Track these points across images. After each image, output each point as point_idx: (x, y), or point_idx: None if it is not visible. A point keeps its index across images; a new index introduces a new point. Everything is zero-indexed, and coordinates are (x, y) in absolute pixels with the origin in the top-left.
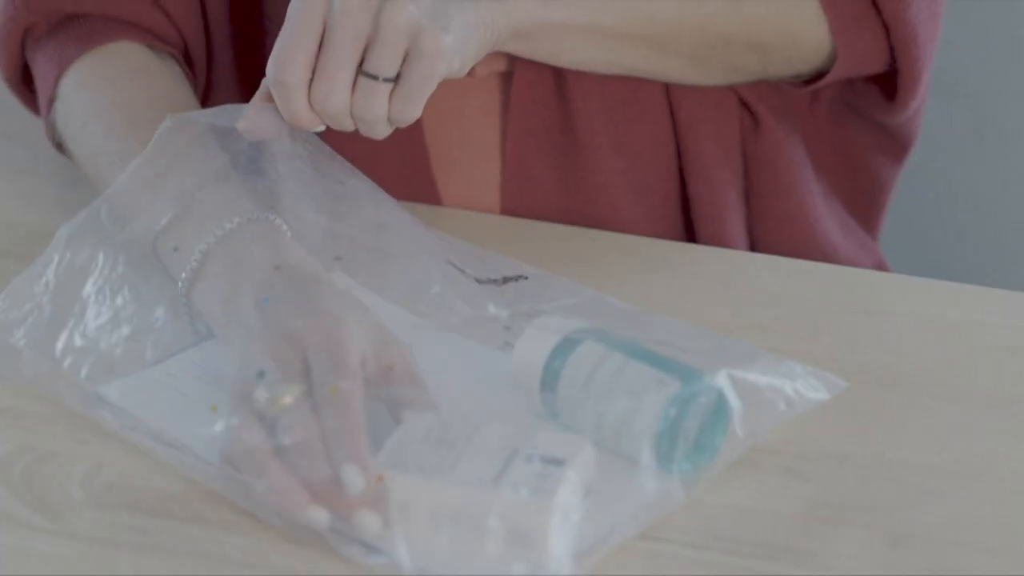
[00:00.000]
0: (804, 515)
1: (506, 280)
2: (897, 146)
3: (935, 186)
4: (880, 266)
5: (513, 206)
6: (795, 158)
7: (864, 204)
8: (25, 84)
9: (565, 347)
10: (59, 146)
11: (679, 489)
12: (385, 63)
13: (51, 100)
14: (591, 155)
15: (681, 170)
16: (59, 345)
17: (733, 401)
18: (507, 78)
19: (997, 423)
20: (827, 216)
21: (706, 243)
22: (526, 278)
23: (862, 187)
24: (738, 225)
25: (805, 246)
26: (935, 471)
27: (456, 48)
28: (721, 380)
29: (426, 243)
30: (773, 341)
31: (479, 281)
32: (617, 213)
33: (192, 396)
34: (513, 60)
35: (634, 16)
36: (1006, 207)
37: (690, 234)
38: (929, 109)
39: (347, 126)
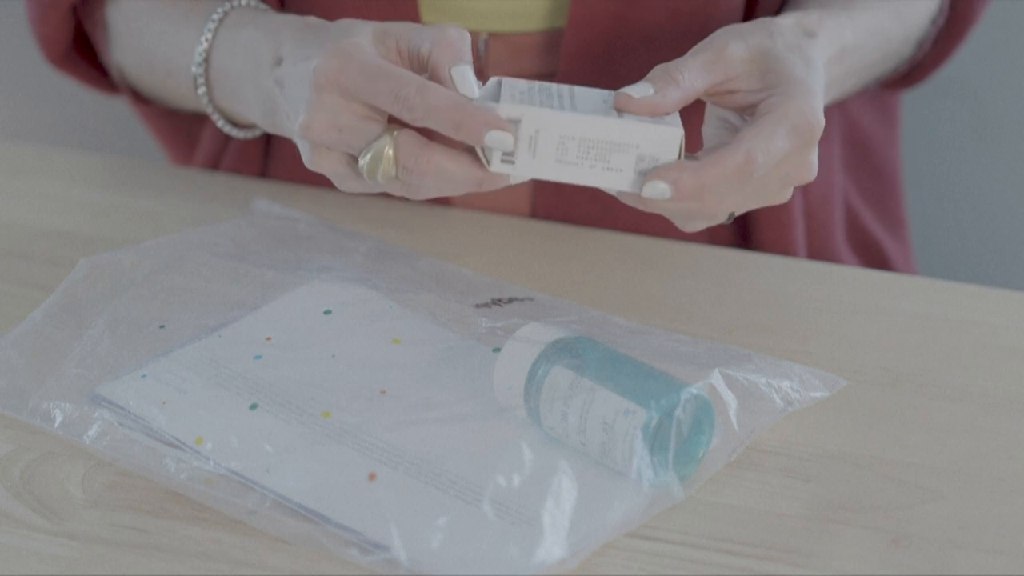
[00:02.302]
0: (804, 515)
1: (511, 300)
2: (883, 101)
3: (935, 186)
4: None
5: (545, 211)
6: (826, 155)
7: (876, 184)
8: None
9: (541, 367)
10: (128, 82)
11: (679, 488)
12: None
13: (105, 30)
14: None
15: None
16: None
17: (727, 398)
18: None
19: (997, 423)
20: (839, 218)
21: (766, 251)
22: (532, 299)
23: (868, 162)
24: (801, 230)
25: (816, 249)
26: (935, 471)
27: None
28: (713, 380)
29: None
30: (773, 341)
31: (477, 306)
32: (661, 223)
33: (191, 394)
34: (542, 62)
35: (864, 76)
36: (1006, 207)
37: (743, 243)
38: (929, 108)
39: None
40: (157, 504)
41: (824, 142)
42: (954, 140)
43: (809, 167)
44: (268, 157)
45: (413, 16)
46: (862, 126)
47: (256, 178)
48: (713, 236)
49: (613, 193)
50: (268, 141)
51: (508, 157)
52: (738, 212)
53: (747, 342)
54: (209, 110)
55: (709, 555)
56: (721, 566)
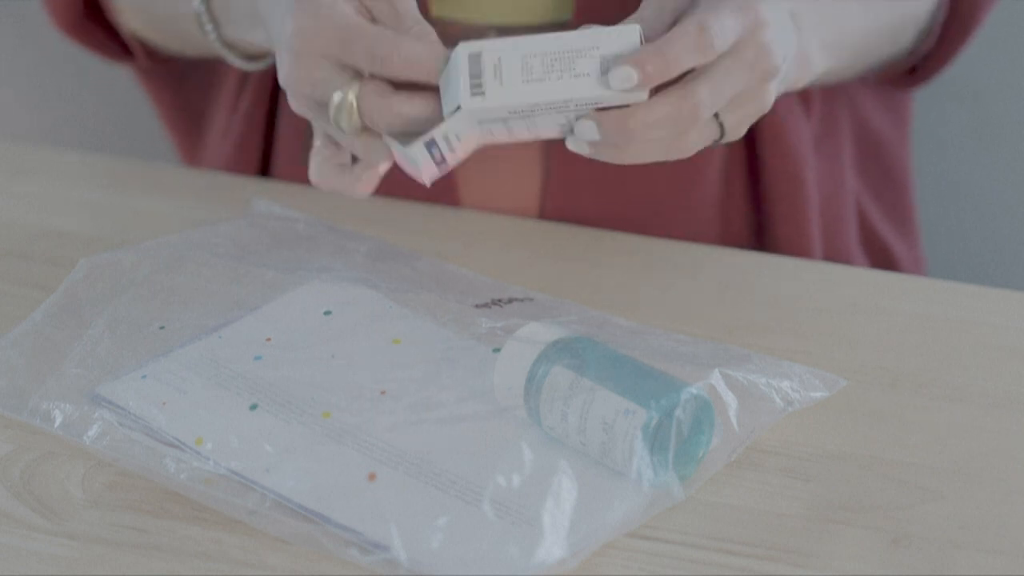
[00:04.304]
0: (804, 515)
1: (511, 300)
2: (894, 103)
3: (935, 186)
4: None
5: (555, 211)
6: (837, 154)
7: (887, 184)
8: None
9: (541, 367)
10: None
11: (679, 489)
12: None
13: None
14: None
15: (753, 167)
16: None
17: (727, 398)
18: None
19: (997, 423)
20: (851, 218)
21: (781, 249)
22: (532, 300)
23: (878, 163)
24: (817, 229)
25: (830, 249)
26: (935, 471)
27: None
28: (713, 380)
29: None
30: (773, 341)
31: (477, 306)
32: (662, 224)
33: (192, 394)
34: None
35: (858, 47)
36: (1006, 207)
37: (759, 241)
38: (929, 109)
39: None
40: (157, 504)
41: (834, 141)
42: (954, 141)
43: (768, 49)
44: (268, 157)
45: (423, 6)
46: (873, 126)
47: (256, 178)
48: (728, 235)
49: (587, 137)
50: (268, 141)
51: (478, 89)
52: (715, 110)
53: (747, 342)
54: (217, 46)
55: (709, 555)
56: (721, 566)
